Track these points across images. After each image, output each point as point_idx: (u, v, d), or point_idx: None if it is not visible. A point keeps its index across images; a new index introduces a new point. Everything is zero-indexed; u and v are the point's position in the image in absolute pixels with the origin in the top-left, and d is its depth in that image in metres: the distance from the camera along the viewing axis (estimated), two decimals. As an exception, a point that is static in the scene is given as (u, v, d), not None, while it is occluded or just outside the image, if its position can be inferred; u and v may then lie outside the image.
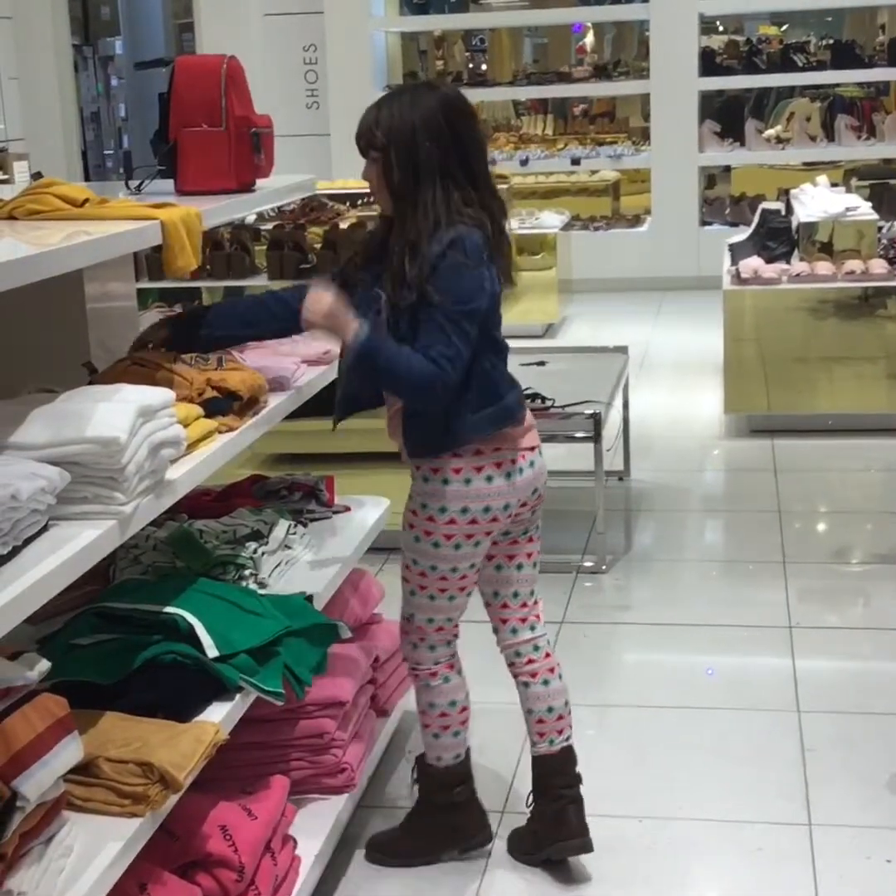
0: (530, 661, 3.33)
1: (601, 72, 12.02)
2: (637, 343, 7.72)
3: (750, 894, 3.19)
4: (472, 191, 2.95)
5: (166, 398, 2.57)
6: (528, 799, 3.37)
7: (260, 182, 3.45)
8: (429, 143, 2.88)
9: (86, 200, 2.80)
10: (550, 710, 3.29)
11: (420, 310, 2.89)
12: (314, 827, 3.15)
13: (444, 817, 3.35)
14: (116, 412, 2.41)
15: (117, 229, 2.63)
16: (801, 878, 3.22)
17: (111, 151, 14.29)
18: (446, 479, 3.09)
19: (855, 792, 3.59)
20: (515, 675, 3.37)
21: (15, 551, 2.17)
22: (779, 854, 3.33)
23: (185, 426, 2.68)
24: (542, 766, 3.31)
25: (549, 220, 9.22)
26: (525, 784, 3.62)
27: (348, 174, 9.92)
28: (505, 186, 9.48)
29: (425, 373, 2.87)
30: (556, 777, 3.28)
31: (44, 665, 2.25)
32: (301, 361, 3.47)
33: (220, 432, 2.88)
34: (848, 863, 3.28)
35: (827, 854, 3.31)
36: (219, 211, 3.19)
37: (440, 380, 2.88)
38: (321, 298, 2.92)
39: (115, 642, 2.72)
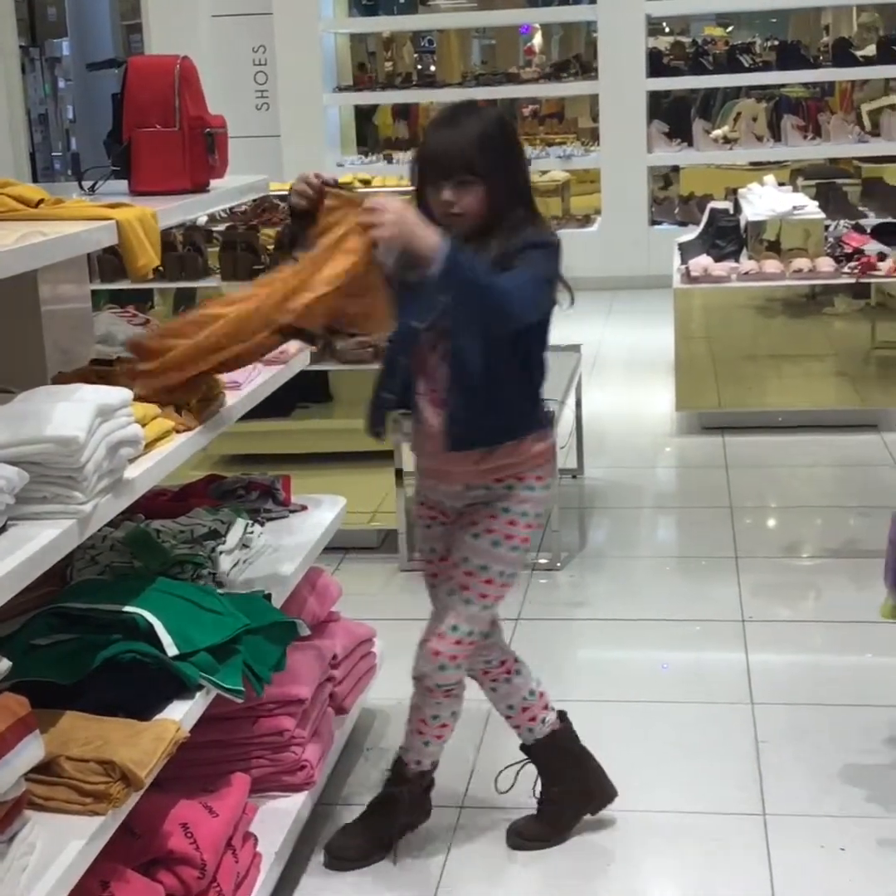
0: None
1: (554, 72, 12.07)
2: (589, 342, 7.77)
3: (706, 885, 3.22)
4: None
5: (124, 397, 2.58)
6: (535, 789, 3.45)
7: (214, 182, 3.45)
8: (518, 165, 2.96)
9: (40, 201, 2.80)
10: (530, 694, 3.38)
11: None
12: (274, 824, 3.16)
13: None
14: (75, 411, 2.42)
15: (73, 230, 2.63)
16: (757, 868, 3.26)
17: (59, 153, 14.21)
18: (531, 485, 3.11)
19: (808, 782, 3.64)
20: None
21: (-26, 551, 2.18)
22: (734, 845, 3.37)
23: (143, 425, 2.69)
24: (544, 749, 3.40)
25: (500, 220, 9.25)
26: (482, 780, 3.65)
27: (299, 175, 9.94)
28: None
29: (515, 295, 2.83)
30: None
31: (3, 664, 2.25)
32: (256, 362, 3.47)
33: (178, 431, 2.89)
34: (802, 852, 3.32)
35: (782, 844, 3.36)
36: (174, 211, 3.19)
37: (524, 310, 2.86)
38: (390, 203, 2.71)
39: (74, 642, 2.72)
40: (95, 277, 5.59)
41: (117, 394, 2.57)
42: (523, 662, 3.42)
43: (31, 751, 2.22)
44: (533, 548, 5.40)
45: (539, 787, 3.44)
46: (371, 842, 3.36)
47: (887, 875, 3.22)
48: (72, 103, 14.44)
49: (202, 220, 7.15)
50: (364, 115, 12.81)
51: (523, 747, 3.46)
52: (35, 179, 12.12)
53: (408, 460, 5.37)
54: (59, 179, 12.70)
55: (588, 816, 3.44)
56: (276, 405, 5.66)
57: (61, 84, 14.63)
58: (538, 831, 3.41)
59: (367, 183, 9.49)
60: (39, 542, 2.27)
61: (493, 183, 2.90)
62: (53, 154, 14.27)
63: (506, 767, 3.51)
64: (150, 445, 2.74)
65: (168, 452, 2.80)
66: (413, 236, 2.70)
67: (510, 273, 2.86)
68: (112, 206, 2.82)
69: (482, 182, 2.88)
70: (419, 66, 14.61)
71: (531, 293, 2.87)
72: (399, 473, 5.30)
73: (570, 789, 3.40)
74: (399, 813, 3.36)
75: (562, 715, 3.45)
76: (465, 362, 2.95)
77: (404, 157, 11.31)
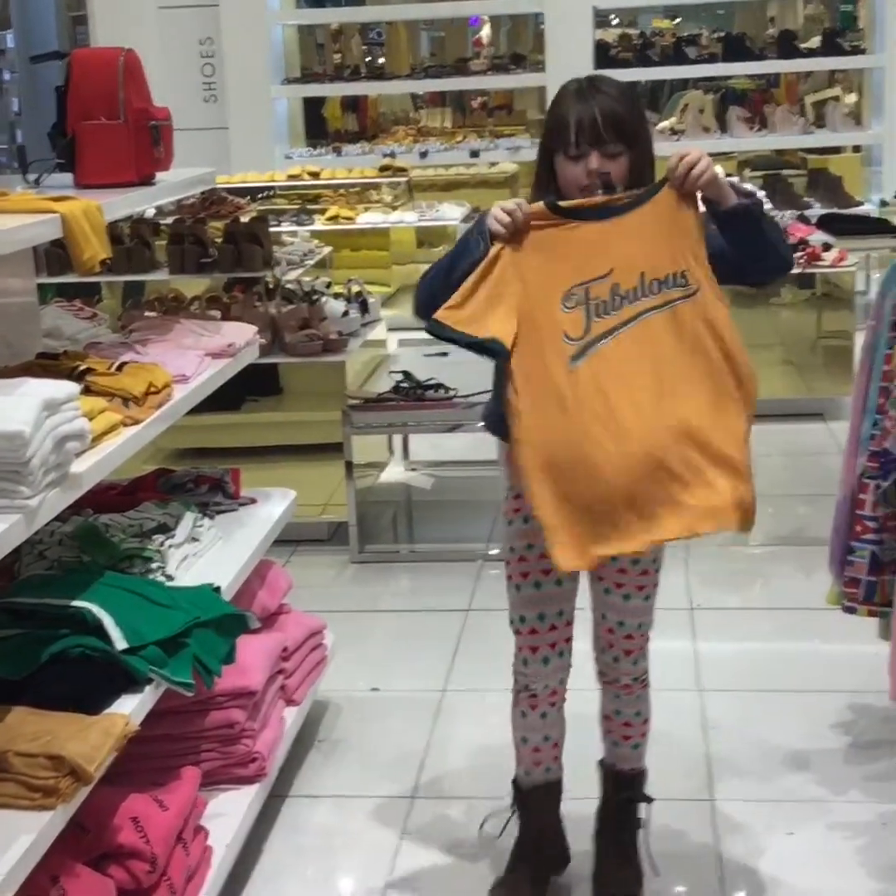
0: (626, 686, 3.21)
1: (504, 64, 12.09)
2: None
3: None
4: None
5: (71, 391, 2.57)
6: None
7: (160, 175, 3.44)
8: (650, 136, 2.88)
9: (-16, 194, 2.79)
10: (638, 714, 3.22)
11: None
12: (226, 817, 3.16)
13: None
14: (20, 406, 2.41)
15: (17, 223, 2.62)
16: (705, 852, 3.30)
17: (4, 146, 14.08)
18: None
19: (756, 767, 3.68)
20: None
21: (-80, 546, 2.17)
22: (683, 830, 3.40)
23: (90, 419, 2.68)
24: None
25: (450, 212, 9.26)
26: (432, 771, 3.68)
27: (248, 168, 9.89)
28: (404, 179, 9.51)
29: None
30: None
31: (-50, 660, 2.25)
32: (205, 355, 3.47)
33: (125, 425, 2.88)
34: (750, 837, 3.36)
35: (729, 829, 3.39)
36: (119, 204, 3.18)
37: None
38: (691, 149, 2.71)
39: (21, 637, 2.71)
40: (42, 271, 5.56)
41: (64, 387, 2.56)
42: None
43: (-22, 747, 2.21)
44: (484, 539, 5.43)
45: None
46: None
47: (835, 859, 3.26)
48: (17, 96, 14.30)
49: (150, 213, 7.13)
50: (313, 108, 12.76)
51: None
52: (-20, 172, 12.00)
53: (357, 452, 5.40)
54: (3, 172, 12.57)
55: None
56: (225, 398, 5.67)
57: (6, 76, 14.48)
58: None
59: (315, 175, 9.49)
60: (-15, 536, 2.26)
61: (637, 152, 2.80)
62: (-1, 146, 14.15)
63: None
64: (97, 439, 2.73)
65: (116, 446, 2.79)
66: (717, 182, 2.73)
67: None
68: (57, 200, 2.81)
69: (628, 151, 2.79)
70: (368, 58, 14.56)
71: None
72: (349, 466, 5.31)
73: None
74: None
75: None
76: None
77: (353, 149, 11.30)
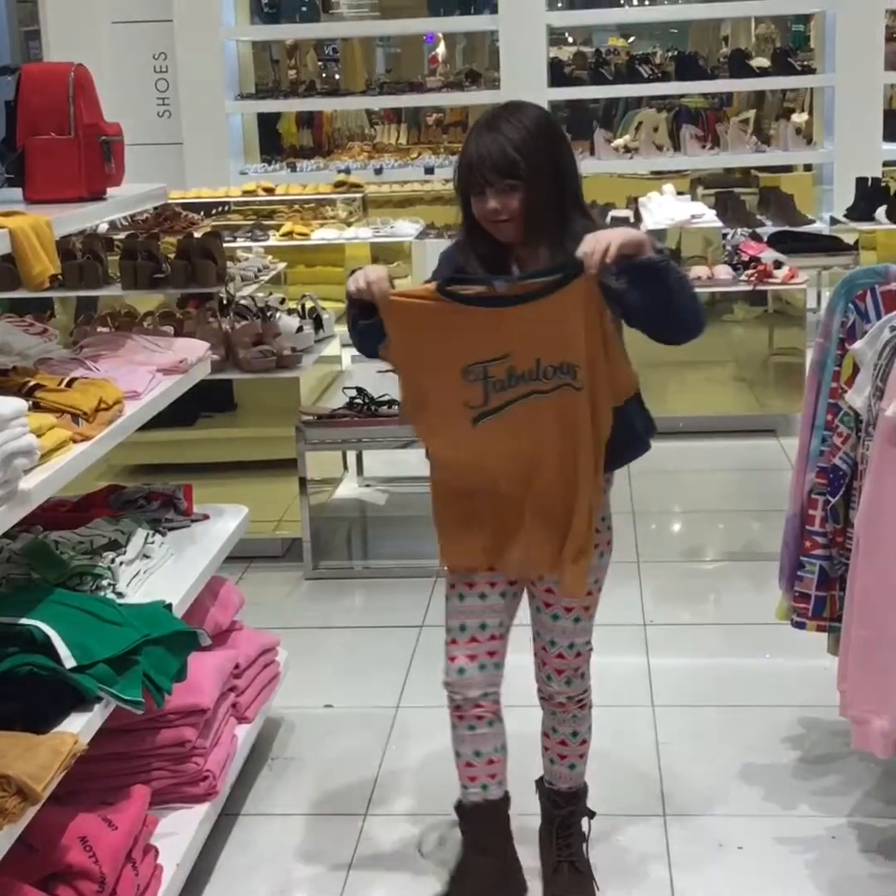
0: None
1: (459, 82, 12.13)
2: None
3: (606, 883, 3.24)
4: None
5: (18, 407, 2.56)
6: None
7: (111, 190, 3.43)
8: (562, 164, 2.88)
9: (-68, 209, 2.77)
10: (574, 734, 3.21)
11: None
12: (177, 836, 3.14)
13: None
14: (-33, 422, 2.39)
15: (-35, 238, 2.61)
16: (656, 866, 3.31)
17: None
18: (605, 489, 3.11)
19: (707, 782, 3.69)
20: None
21: None
22: (634, 844, 3.41)
23: (39, 436, 2.66)
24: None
25: (405, 228, 9.27)
26: (386, 788, 3.67)
27: (203, 183, 9.88)
28: (359, 195, 9.52)
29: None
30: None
31: None
32: (156, 371, 3.46)
33: (75, 442, 2.87)
34: (701, 851, 3.37)
35: (681, 843, 3.40)
36: (69, 219, 3.17)
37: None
38: (592, 236, 2.71)
39: (-31, 655, 2.69)
40: (-7, 287, 5.52)
41: (11, 404, 2.55)
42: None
43: (-76, 766, 2.19)
44: (438, 555, 5.41)
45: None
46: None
47: (785, 873, 3.27)
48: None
49: (102, 228, 7.10)
50: (268, 123, 12.76)
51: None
52: (-68, 187, 11.92)
53: (311, 469, 5.39)
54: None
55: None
56: (179, 414, 5.64)
57: (-41, 90, 14.42)
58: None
59: (270, 191, 9.49)
60: (-69, 554, 2.24)
61: (538, 186, 2.81)
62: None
63: None
64: (46, 456, 2.72)
65: (65, 463, 2.78)
66: (636, 242, 2.74)
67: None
68: (5, 215, 2.80)
69: (525, 185, 2.80)
70: (324, 75, 14.58)
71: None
72: (303, 482, 5.30)
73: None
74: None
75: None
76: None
77: (308, 165, 11.30)
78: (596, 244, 2.70)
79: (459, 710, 3.07)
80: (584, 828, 3.23)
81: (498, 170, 2.79)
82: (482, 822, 3.14)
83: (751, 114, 11.85)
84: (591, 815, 3.24)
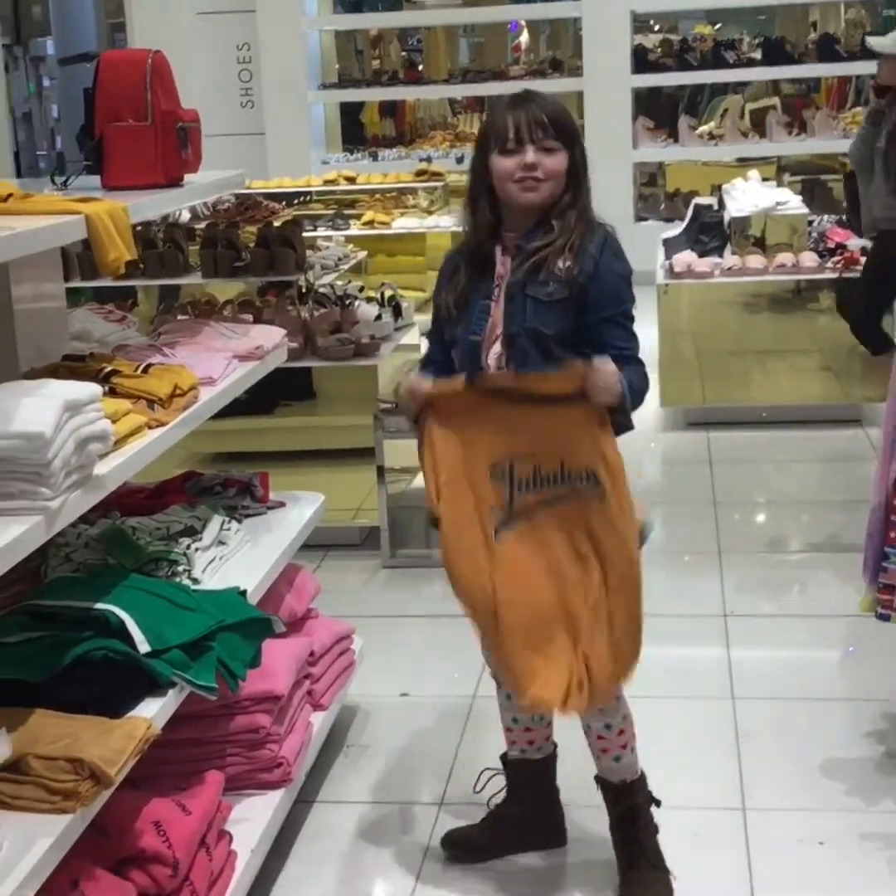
0: None
1: (542, 69, 12.08)
2: (573, 338, 7.75)
3: (685, 878, 3.20)
4: None
5: (93, 393, 2.56)
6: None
7: (188, 177, 3.43)
8: (583, 146, 2.99)
9: (9, 196, 2.78)
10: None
11: (582, 308, 2.91)
12: (251, 822, 3.14)
13: None
14: (42, 407, 2.40)
15: (41, 224, 2.61)
16: (736, 862, 3.26)
17: (44, 152, 14.16)
18: None
19: (788, 777, 3.63)
20: None
21: (-62, 548, 2.16)
22: (714, 839, 3.36)
23: (114, 421, 2.67)
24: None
25: (485, 217, 9.23)
26: (462, 777, 3.65)
27: (284, 173, 9.90)
28: (440, 184, 9.49)
29: (645, 375, 2.97)
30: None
31: (-31, 662, 2.23)
32: (232, 357, 3.46)
33: (150, 427, 2.87)
34: (781, 846, 3.31)
35: (761, 838, 3.35)
36: (146, 205, 3.17)
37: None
38: (608, 371, 2.81)
39: (44, 640, 2.70)
40: (76, 275, 5.57)
41: (86, 389, 2.55)
42: None
43: (-3, 749, 2.20)
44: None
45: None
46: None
47: (866, 868, 3.21)
48: (56, 102, 14.38)
49: (185, 217, 7.15)
50: (351, 113, 12.78)
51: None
52: (19, 178, 12.09)
53: (389, 457, 5.37)
54: (44, 178, 12.65)
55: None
56: (259, 403, 5.68)
57: (46, 83, 14.56)
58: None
59: (351, 180, 9.49)
60: (5, 538, 2.26)
61: (575, 153, 2.94)
62: (38, 153, 14.21)
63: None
64: (121, 441, 2.72)
65: (140, 448, 2.78)
66: (616, 392, 2.83)
67: (613, 336, 2.92)
68: (82, 201, 2.80)
69: (565, 149, 2.92)
70: (408, 65, 14.56)
71: (635, 349, 2.97)
72: (380, 470, 5.29)
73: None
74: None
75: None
76: None
77: (390, 154, 11.30)
78: (608, 388, 2.79)
79: (497, 678, 3.19)
80: (654, 819, 3.19)
81: (543, 127, 2.89)
82: (517, 775, 3.32)
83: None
84: (657, 803, 3.20)
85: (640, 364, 2.95)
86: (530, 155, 2.89)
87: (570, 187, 2.95)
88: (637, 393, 2.91)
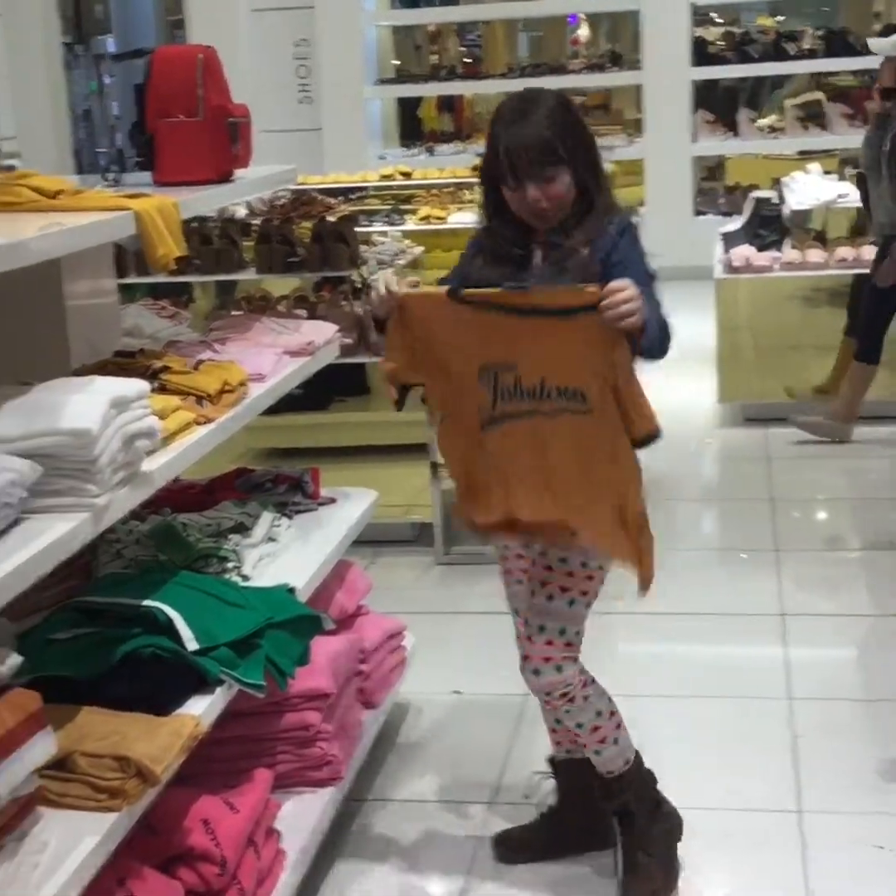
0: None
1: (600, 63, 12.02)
2: (630, 333, 7.70)
3: (740, 881, 3.17)
4: None
5: (141, 389, 2.55)
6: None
7: (239, 172, 3.42)
8: (591, 143, 2.95)
9: (60, 192, 2.78)
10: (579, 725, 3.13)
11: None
12: (300, 820, 3.13)
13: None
14: (89, 403, 2.39)
15: (91, 219, 2.61)
16: (791, 864, 3.21)
17: (104, 149, 14.25)
18: None
19: (845, 779, 3.57)
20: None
21: (-15, 545, 2.15)
22: (769, 841, 3.31)
23: (162, 418, 2.66)
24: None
25: (543, 212, 9.19)
26: (514, 776, 3.62)
27: (340, 168, 9.89)
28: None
29: (668, 326, 2.90)
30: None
31: (15, 660, 2.23)
32: (283, 352, 3.45)
33: (199, 424, 2.86)
34: (838, 849, 3.26)
35: (817, 841, 3.29)
36: (197, 201, 3.17)
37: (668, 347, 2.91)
38: (626, 287, 2.69)
39: (93, 636, 2.70)
40: (131, 271, 5.59)
41: (134, 385, 2.54)
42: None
43: (43, 747, 2.19)
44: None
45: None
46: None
47: (925, 874, 3.15)
48: (116, 99, 14.47)
49: (240, 213, 7.15)
50: (408, 109, 12.76)
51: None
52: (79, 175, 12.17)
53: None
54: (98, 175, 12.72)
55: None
56: (313, 398, 5.68)
57: (107, 80, 14.65)
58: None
59: (407, 175, 9.46)
60: (52, 535, 2.24)
61: (576, 164, 2.88)
62: (98, 150, 14.31)
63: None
64: (170, 438, 2.71)
65: (188, 445, 2.77)
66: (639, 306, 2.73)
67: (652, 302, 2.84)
68: (132, 196, 2.80)
69: (567, 168, 2.87)
70: (467, 59, 14.52)
71: (665, 311, 2.92)
72: (434, 467, 5.26)
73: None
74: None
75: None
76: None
77: (446, 149, 11.27)
78: (621, 306, 2.68)
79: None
80: (660, 807, 3.19)
81: (538, 161, 2.84)
82: (565, 776, 3.34)
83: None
84: (657, 801, 3.20)
85: (665, 321, 2.88)
86: (531, 192, 2.86)
87: (583, 191, 2.91)
88: (658, 325, 2.82)
